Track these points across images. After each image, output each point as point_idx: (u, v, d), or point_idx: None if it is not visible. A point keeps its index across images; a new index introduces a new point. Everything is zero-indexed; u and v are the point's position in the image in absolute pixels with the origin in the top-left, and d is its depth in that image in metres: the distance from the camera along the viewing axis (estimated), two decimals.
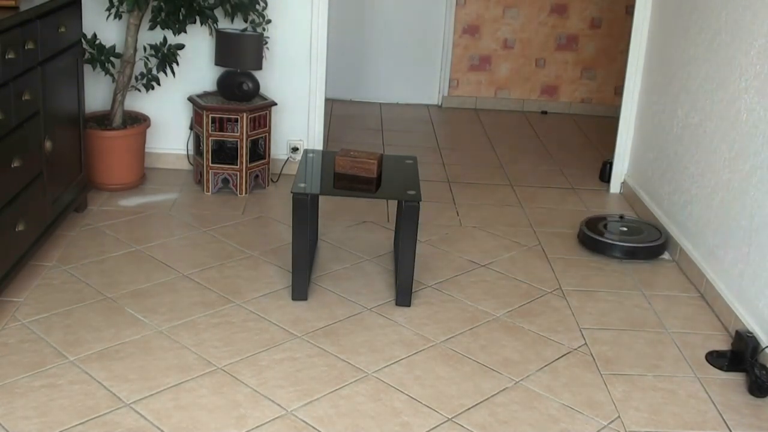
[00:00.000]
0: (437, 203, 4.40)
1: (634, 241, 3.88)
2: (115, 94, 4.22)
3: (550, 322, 3.23)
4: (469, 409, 2.65)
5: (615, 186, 4.75)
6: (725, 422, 2.68)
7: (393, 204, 4.16)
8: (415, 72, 6.43)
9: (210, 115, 4.17)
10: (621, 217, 4.15)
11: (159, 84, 4.33)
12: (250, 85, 4.24)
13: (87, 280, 3.31)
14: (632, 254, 3.84)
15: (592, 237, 3.90)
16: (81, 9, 3.77)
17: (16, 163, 3.02)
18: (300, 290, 3.26)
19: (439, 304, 3.31)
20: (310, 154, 3.65)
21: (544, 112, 6.45)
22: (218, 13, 4.23)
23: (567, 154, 5.41)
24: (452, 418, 2.60)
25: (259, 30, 4.29)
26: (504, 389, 2.77)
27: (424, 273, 3.54)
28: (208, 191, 4.29)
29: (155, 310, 3.12)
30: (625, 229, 4.00)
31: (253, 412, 2.56)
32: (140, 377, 2.69)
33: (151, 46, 4.26)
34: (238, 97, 4.25)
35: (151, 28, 4.14)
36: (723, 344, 3.15)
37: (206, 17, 4.16)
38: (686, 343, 3.14)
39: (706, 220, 3.60)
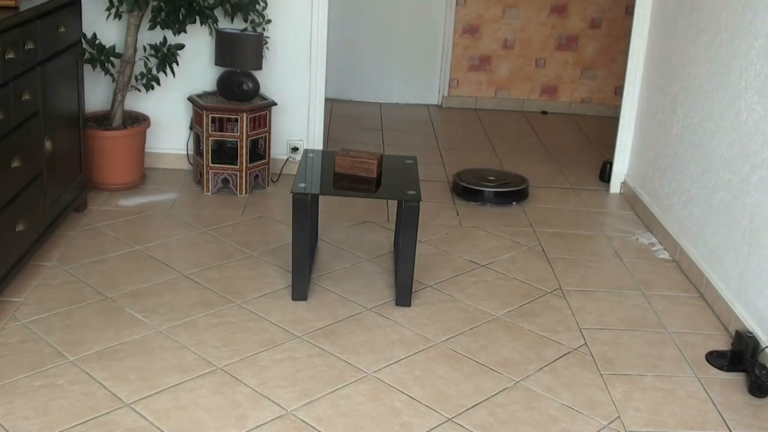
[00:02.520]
0: (437, 203, 4.40)
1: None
2: (115, 94, 4.22)
3: (550, 322, 3.23)
4: (469, 409, 2.65)
5: (615, 186, 4.75)
6: (725, 422, 2.68)
7: (393, 204, 4.16)
8: (415, 72, 6.43)
9: (210, 115, 4.17)
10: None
11: (159, 84, 4.33)
12: (250, 85, 4.24)
13: (87, 280, 3.31)
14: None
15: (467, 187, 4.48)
16: (81, 9, 3.77)
17: (16, 163, 3.02)
18: (300, 290, 3.26)
19: (439, 304, 3.31)
20: (310, 154, 3.65)
21: (544, 112, 6.45)
22: (218, 13, 4.23)
23: (567, 154, 5.41)
24: (452, 418, 2.60)
25: (259, 30, 4.29)
26: (504, 389, 2.77)
27: (424, 273, 3.54)
28: (208, 191, 4.29)
29: (155, 310, 3.12)
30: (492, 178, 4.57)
31: (253, 412, 2.56)
32: (140, 377, 2.69)
33: (151, 46, 4.27)
34: (238, 97, 4.25)
35: (151, 28, 4.14)
36: (723, 344, 3.15)
37: (206, 17, 4.16)
38: (686, 343, 3.14)
39: (706, 220, 3.60)
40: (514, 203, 4.42)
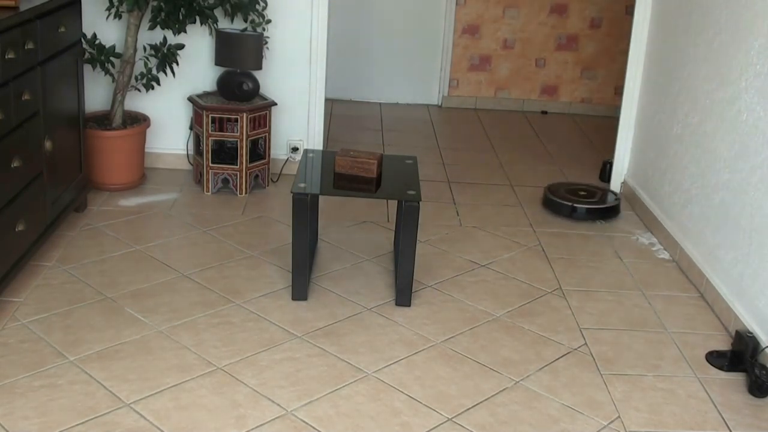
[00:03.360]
0: (437, 203, 4.40)
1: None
2: (115, 94, 4.22)
3: (550, 322, 3.23)
4: (469, 409, 2.65)
5: (615, 186, 4.75)
6: (725, 422, 2.68)
7: (393, 204, 4.16)
8: (415, 72, 6.43)
9: (210, 115, 4.17)
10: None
11: (159, 84, 4.33)
12: (250, 85, 4.24)
13: (87, 280, 3.31)
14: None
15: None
16: (81, 9, 3.77)
17: (16, 163, 3.02)
18: (300, 290, 3.26)
19: (439, 304, 3.31)
20: (310, 154, 3.65)
21: (544, 112, 6.45)
22: (218, 13, 4.23)
23: (567, 154, 5.41)
24: (452, 418, 2.60)
25: (259, 30, 4.29)
26: (504, 389, 2.77)
27: (424, 273, 3.54)
28: (208, 191, 4.29)
29: (155, 310, 3.12)
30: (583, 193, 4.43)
31: (253, 412, 2.56)
32: (140, 377, 2.69)
33: (151, 46, 4.26)
34: (238, 97, 4.25)
35: (151, 28, 4.14)
36: (723, 344, 3.15)
37: (206, 17, 4.16)
38: (686, 343, 3.14)
39: (706, 220, 3.60)
40: (600, 222, 4.28)
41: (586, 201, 4.34)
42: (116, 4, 4.08)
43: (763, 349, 2.94)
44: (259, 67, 4.24)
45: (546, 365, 2.93)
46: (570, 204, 4.29)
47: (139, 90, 4.39)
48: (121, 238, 3.72)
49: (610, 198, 4.46)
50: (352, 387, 2.72)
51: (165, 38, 4.27)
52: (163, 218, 3.98)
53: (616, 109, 4.91)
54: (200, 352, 2.86)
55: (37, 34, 3.19)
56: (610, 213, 4.34)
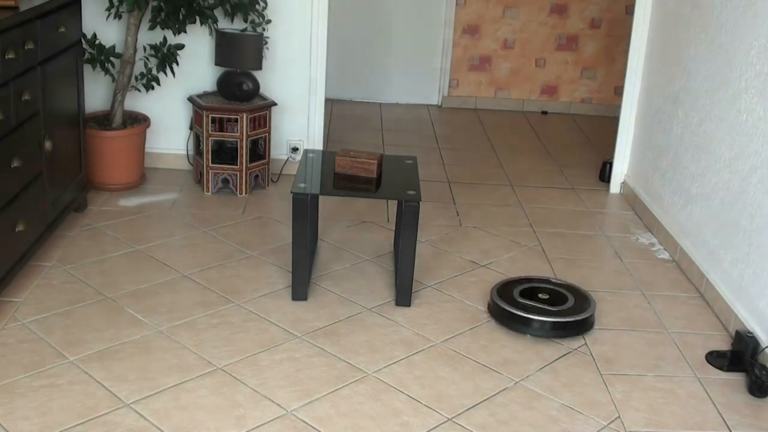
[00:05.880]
0: (437, 203, 4.40)
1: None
2: (115, 94, 4.22)
3: None
4: (469, 409, 2.65)
5: (615, 186, 4.75)
6: (725, 422, 2.68)
7: (393, 204, 4.16)
8: (415, 72, 6.43)
9: (210, 115, 4.17)
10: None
11: (159, 84, 4.33)
12: (250, 85, 4.24)
13: (87, 280, 3.31)
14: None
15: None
16: (81, 9, 3.77)
17: (16, 163, 3.02)
18: (300, 290, 3.26)
19: (439, 304, 3.31)
20: (310, 154, 3.64)
21: (544, 112, 6.45)
22: (218, 13, 4.23)
23: (567, 154, 5.41)
24: (452, 418, 2.60)
25: (259, 30, 4.29)
26: (504, 389, 2.77)
27: (424, 273, 3.54)
28: (208, 191, 4.29)
29: (155, 310, 3.12)
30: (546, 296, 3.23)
31: (253, 412, 2.56)
32: (140, 377, 2.69)
33: (151, 46, 4.26)
34: (238, 97, 4.25)
35: (151, 28, 4.14)
36: (723, 344, 3.15)
37: (206, 17, 4.16)
38: (686, 343, 3.14)
39: (706, 220, 3.60)
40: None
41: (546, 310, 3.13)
42: (116, 4, 4.08)
43: (763, 349, 2.94)
44: (259, 67, 4.24)
45: (546, 365, 2.93)
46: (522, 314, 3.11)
47: (139, 90, 4.39)
48: (121, 238, 3.72)
49: (589, 307, 3.20)
50: (352, 387, 2.72)
51: (165, 38, 4.27)
52: (163, 218, 3.98)
53: (616, 109, 4.91)
54: (200, 352, 2.86)
55: (37, 34, 3.19)
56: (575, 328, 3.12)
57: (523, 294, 3.24)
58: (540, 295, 3.24)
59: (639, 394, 2.79)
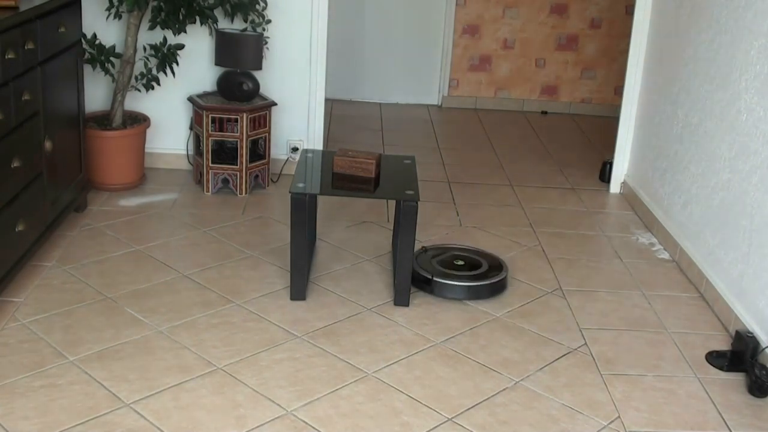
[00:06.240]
0: (437, 203, 4.40)
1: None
2: (115, 94, 4.22)
3: (550, 322, 3.23)
4: (469, 409, 2.65)
5: (615, 186, 4.75)
6: (725, 422, 2.68)
7: (392, 204, 4.16)
8: (415, 72, 6.43)
9: (210, 115, 4.17)
10: (424, 249, 3.61)
11: (159, 84, 4.33)
12: (250, 85, 4.24)
13: (87, 280, 3.31)
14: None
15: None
16: (81, 9, 3.77)
17: (16, 163, 3.02)
18: (299, 290, 3.26)
19: (439, 304, 3.31)
20: (309, 154, 3.65)
21: (544, 112, 6.45)
22: (218, 13, 4.23)
23: (567, 154, 5.41)
24: (452, 418, 2.60)
25: (259, 30, 4.29)
26: (504, 389, 2.77)
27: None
28: (208, 191, 4.29)
29: (155, 310, 3.12)
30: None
31: (253, 412, 2.56)
32: (140, 377, 2.69)
33: (151, 46, 4.26)
34: (238, 97, 4.25)
35: (151, 28, 4.14)
36: (723, 344, 3.15)
37: (206, 17, 4.16)
38: (686, 343, 3.14)
39: (706, 220, 3.60)
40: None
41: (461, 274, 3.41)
42: (116, 4, 4.08)
43: (763, 349, 2.94)
44: (259, 67, 4.24)
45: (546, 365, 2.93)
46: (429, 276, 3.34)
47: (139, 90, 4.39)
48: (121, 238, 3.72)
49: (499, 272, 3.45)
50: (352, 387, 2.72)
51: (165, 38, 4.27)
52: (163, 218, 3.98)
53: (616, 109, 4.91)
54: (200, 352, 2.86)
55: (37, 34, 3.19)
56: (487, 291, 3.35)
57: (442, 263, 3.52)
58: (455, 262, 3.54)
59: (639, 394, 2.79)
